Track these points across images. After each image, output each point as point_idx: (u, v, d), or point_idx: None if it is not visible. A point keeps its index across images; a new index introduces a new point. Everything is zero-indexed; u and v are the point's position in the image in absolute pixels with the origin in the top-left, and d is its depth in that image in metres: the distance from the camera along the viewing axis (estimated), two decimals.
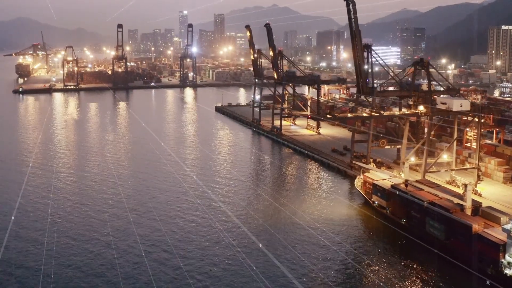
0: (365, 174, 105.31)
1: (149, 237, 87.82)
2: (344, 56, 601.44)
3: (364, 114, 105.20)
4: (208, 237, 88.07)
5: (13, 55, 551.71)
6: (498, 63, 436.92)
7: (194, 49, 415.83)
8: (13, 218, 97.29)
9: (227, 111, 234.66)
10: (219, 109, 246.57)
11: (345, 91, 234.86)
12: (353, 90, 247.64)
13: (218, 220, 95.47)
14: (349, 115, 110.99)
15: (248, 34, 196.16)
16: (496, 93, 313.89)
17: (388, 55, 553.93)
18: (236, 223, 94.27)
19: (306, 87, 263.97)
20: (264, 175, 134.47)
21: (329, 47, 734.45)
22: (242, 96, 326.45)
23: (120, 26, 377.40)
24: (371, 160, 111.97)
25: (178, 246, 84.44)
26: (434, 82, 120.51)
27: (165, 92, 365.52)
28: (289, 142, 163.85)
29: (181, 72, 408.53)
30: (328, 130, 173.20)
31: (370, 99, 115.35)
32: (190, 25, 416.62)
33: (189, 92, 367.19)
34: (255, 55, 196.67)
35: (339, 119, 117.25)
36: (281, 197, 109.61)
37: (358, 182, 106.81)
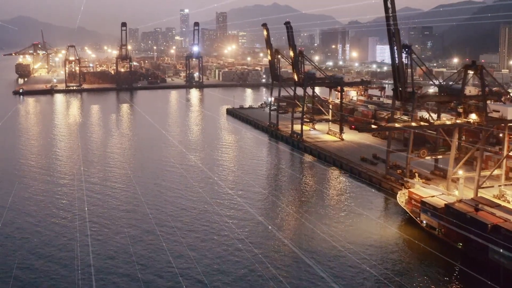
0: (410, 189, 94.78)
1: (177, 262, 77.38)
2: (353, 55, 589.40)
3: (413, 124, 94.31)
4: (242, 264, 77.59)
5: (13, 54, 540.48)
6: (511, 62, 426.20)
7: (196, 48, 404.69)
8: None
9: (240, 114, 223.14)
10: (230, 112, 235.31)
11: (362, 93, 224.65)
12: (371, 91, 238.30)
13: (252, 242, 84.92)
14: (396, 125, 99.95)
15: (265, 32, 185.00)
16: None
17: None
18: (270, 244, 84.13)
19: (321, 89, 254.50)
20: (288, 187, 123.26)
21: (333, 46, 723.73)
22: (249, 97, 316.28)
23: (124, 24, 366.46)
24: (416, 174, 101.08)
25: (210, 269, 74.30)
26: (471, 87, 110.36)
27: (171, 93, 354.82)
28: (312, 149, 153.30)
29: (187, 72, 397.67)
30: (351, 136, 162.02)
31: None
32: (196, 24, 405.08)
33: (195, 93, 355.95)
34: (272, 55, 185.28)
35: (386, 130, 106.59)
36: (311, 215, 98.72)
37: (401, 197, 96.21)
